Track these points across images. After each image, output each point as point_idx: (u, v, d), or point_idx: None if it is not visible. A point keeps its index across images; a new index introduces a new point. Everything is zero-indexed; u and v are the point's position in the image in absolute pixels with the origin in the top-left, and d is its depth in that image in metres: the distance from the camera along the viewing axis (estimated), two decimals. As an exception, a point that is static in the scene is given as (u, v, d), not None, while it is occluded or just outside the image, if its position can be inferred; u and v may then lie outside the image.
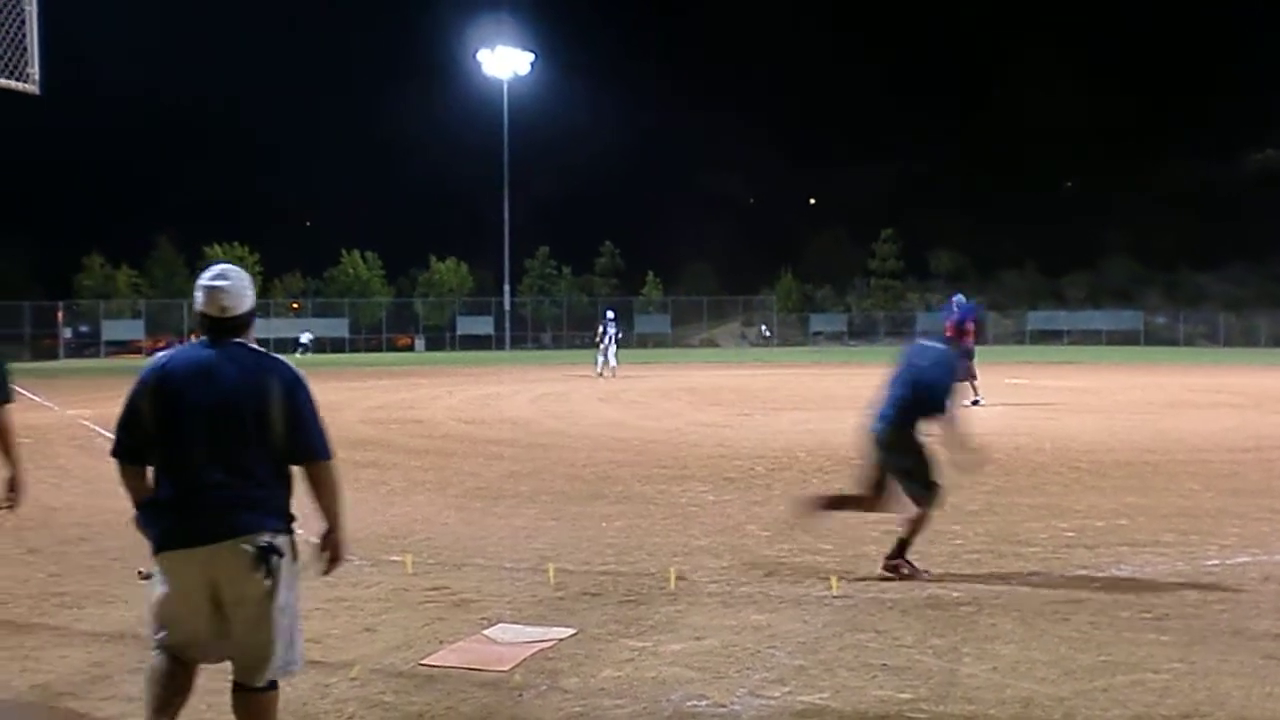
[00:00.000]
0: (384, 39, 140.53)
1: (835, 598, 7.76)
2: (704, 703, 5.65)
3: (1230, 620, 7.09)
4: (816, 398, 28.28)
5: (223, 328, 4.73)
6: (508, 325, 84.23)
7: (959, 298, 24.46)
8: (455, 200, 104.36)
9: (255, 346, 4.81)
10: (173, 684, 4.65)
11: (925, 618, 7.21)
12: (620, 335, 41.55)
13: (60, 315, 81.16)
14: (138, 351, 77.42)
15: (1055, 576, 8.37)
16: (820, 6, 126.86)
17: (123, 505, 10.87)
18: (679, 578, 8.34)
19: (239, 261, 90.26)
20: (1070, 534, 9.92)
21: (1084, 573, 8.46)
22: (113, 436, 4.76)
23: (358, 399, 29.07)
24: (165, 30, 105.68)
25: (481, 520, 11.01)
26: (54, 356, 73.69)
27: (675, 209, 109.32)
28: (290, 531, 4.71)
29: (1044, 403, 25.80)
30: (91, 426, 20.98)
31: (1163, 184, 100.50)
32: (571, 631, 6.95)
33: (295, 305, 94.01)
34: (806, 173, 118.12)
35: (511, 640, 6.76)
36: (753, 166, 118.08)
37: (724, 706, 5.59)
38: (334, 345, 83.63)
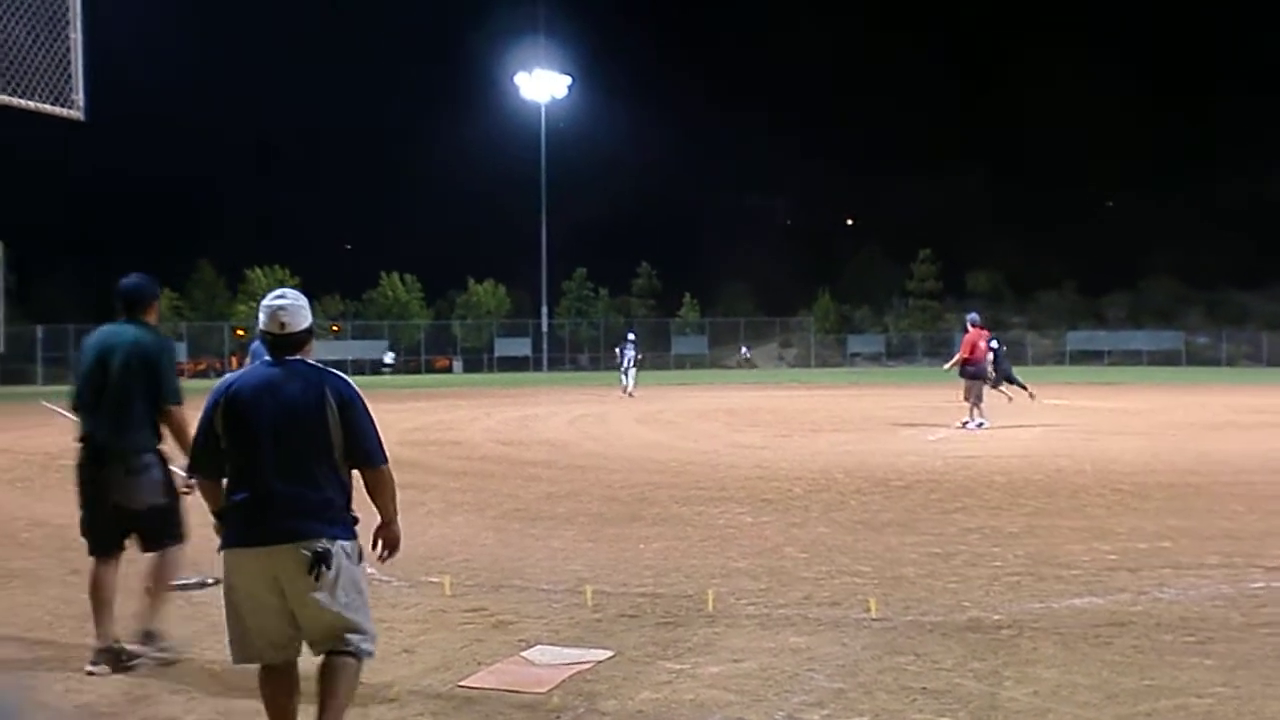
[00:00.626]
0: (423, 63, 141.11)
1: (874, 620, 7.72)
2: (742, 726, 5.64)
3: (1276, 644, 7.01)
4: (855, 419, 28.23)
5: (284, 344, 5.21)
6: (545, 347, 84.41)
7: (973, 316, 24.54)
8: (493, 222, 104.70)
9: (314, 362, 5.26)
10: (280, 687, 5.12)
11: (965, 641, 7.17)
12: (640, 357, 43.23)
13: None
14: (180, 374, 77.87)
15: (1097, 600, 8.30)
16: (858, 30, 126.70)
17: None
18: (717, 600, 8.32)
19: (279, 284, 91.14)
20: (1113, 556, 9.84)
21: (1126, 596, 8.39)
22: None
23: (396, 421, 29.15)
24: (208, 56, 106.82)
25: (519, 542, 11.01)
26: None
27: (712, 230, 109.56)
28: (352, 535, 5.12)
29: (1084, 424, 25.66)
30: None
31: (1205, 202, 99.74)
32: (609, 654, 6.94)
33: (335, 327, 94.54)
34: (844, 193, 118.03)
35: (549, 662, 6.76)
36: (790, 187, 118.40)
37: (763, 730, 5.58)
38: (372, 367, 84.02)
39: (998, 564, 9.61)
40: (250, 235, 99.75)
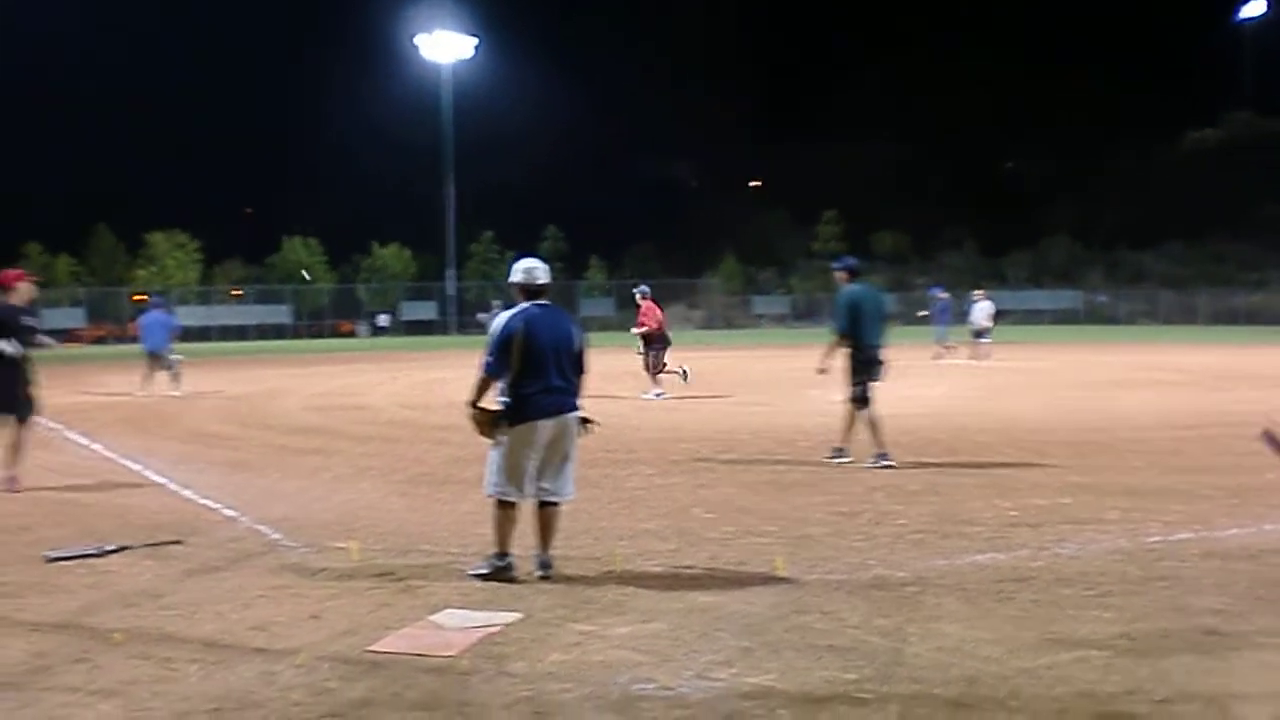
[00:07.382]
0: (323, 23, 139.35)
1: (781, 579, 7.78)
2: (651, 685, 5.65)
3: (1172, 597, 7.16)
4: (761, 381, 28.40)
5: (536, 293, 8.18)
6: (451, 310, 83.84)
7: (643, 288, 23.62)
8: (398, 185, 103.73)
9: (556, 305, 8.26)
10: (511, 516, 8.07)
11: (870, 598, 7.24)
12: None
13: (-2, 304, 79.68)
14: (78, 340, 76.38)
15: (999, 556, 8.42)
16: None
17: (63, 496, 10.79)
18: (625, 561, 8.35)
19: (180, 248, 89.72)
20: (1014, 513, 9.98)
21: (1027, 551, 8.52)
22: (484, 361, 7.96)
23: (300, 385, 28.91)
24: (102, 16, 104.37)
25: (427, 506, 10.96)
26: (-8, 346, 72.35)
27: (619, 193, 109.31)
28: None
29: (987, 383, 25.97)
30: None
31: (1102, 164, 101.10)
32: (518, 616, 6.94)
33: (237, 292, 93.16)
34: (749, 155, 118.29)
35: (458, 625, 6.74)
36: (696, 150, 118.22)
37: (671, 689, 5.60)
38: (276, 332, 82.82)
39: (902, 522, 9.72)
40: (150, 200, 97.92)
